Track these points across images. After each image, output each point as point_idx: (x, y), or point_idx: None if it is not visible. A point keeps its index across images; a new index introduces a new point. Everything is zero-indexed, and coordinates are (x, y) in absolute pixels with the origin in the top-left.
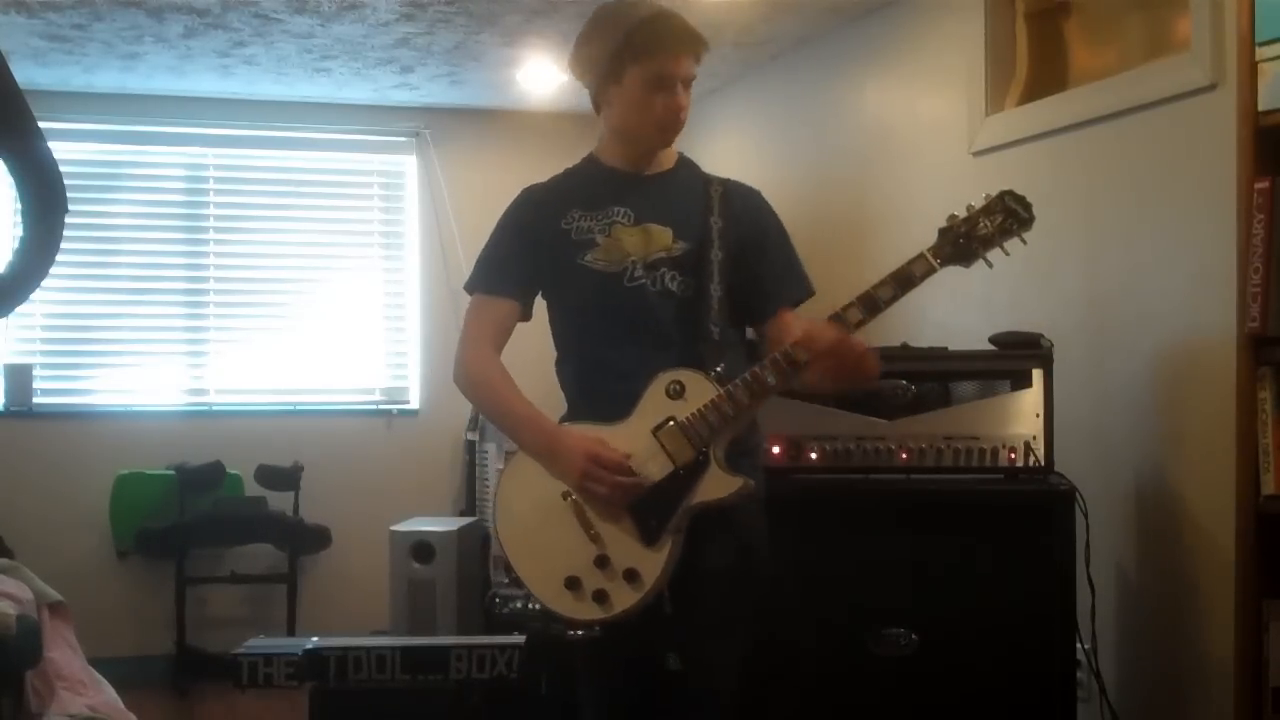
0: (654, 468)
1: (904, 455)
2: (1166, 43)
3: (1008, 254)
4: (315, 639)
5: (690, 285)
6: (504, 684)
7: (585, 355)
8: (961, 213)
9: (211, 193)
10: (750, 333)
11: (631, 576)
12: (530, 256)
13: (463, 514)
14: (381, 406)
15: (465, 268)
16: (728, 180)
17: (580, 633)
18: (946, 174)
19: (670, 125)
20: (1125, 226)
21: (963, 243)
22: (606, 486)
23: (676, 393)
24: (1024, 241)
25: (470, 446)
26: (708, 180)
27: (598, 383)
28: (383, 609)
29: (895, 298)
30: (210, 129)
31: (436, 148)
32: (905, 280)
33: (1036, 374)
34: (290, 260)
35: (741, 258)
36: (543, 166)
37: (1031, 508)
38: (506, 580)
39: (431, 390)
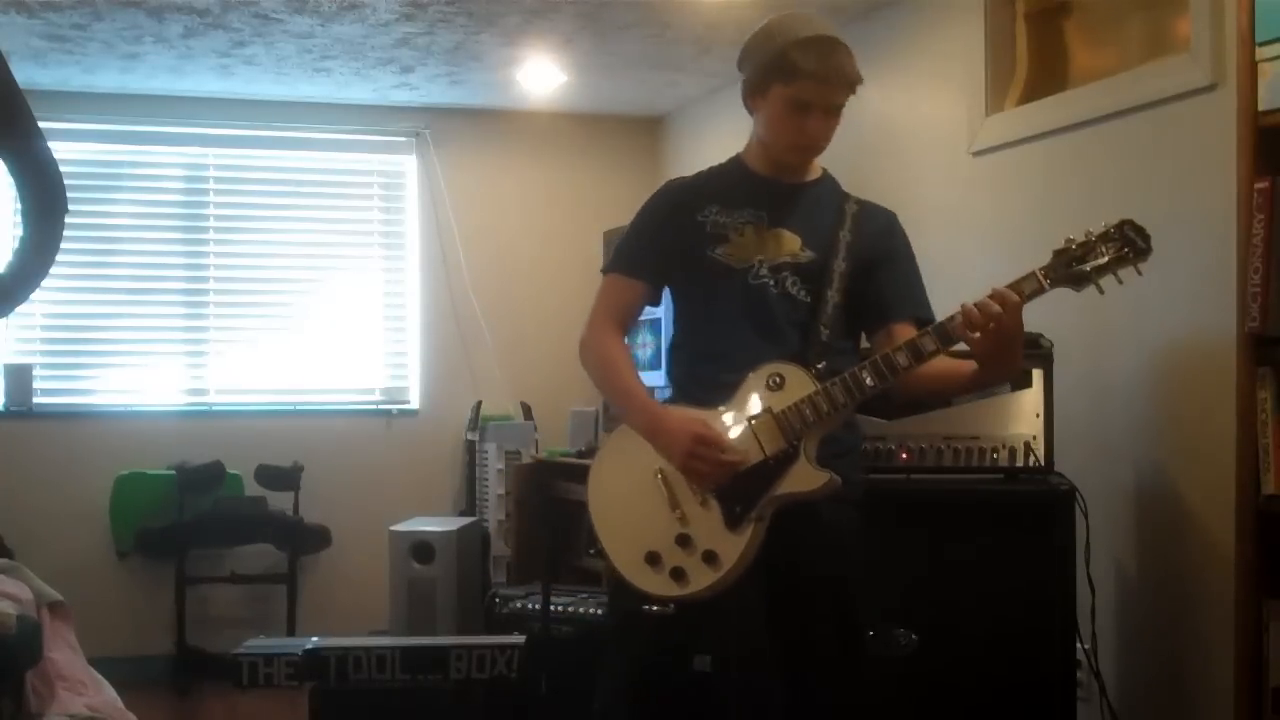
0: (744, 454)
1: (904, 455)
2: (1166, 43)
3: (1121, 283)
4: (315, 639)
5: (810, 293)
6: (504, 684)
7: (701, 344)
8: (1078, 236)
9: (211, 193)
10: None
11: (710, 558)
12: (665, 243)
13: (463, 514)
14: (381, 406)
15: (465, 268)
16: (865, 201)
17: (655, 608)
18: (946, 174)
19: (804, 149)
20: None
21: (1076, 266)
22: (709, 464)
23: (776, 385)
24: (1139, 272)
25: (470, 446)
26: (845, 197)
27: (710, 371)
28: (383, 609)
29: None
30: (210, 129)
31: (436, 148)
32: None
33: (1036, 374)
34: (290, 260)
35: (865, 271)
36: (542, 166)
37: (1031, 508)
38: (591, 551)
39: (431, 390)
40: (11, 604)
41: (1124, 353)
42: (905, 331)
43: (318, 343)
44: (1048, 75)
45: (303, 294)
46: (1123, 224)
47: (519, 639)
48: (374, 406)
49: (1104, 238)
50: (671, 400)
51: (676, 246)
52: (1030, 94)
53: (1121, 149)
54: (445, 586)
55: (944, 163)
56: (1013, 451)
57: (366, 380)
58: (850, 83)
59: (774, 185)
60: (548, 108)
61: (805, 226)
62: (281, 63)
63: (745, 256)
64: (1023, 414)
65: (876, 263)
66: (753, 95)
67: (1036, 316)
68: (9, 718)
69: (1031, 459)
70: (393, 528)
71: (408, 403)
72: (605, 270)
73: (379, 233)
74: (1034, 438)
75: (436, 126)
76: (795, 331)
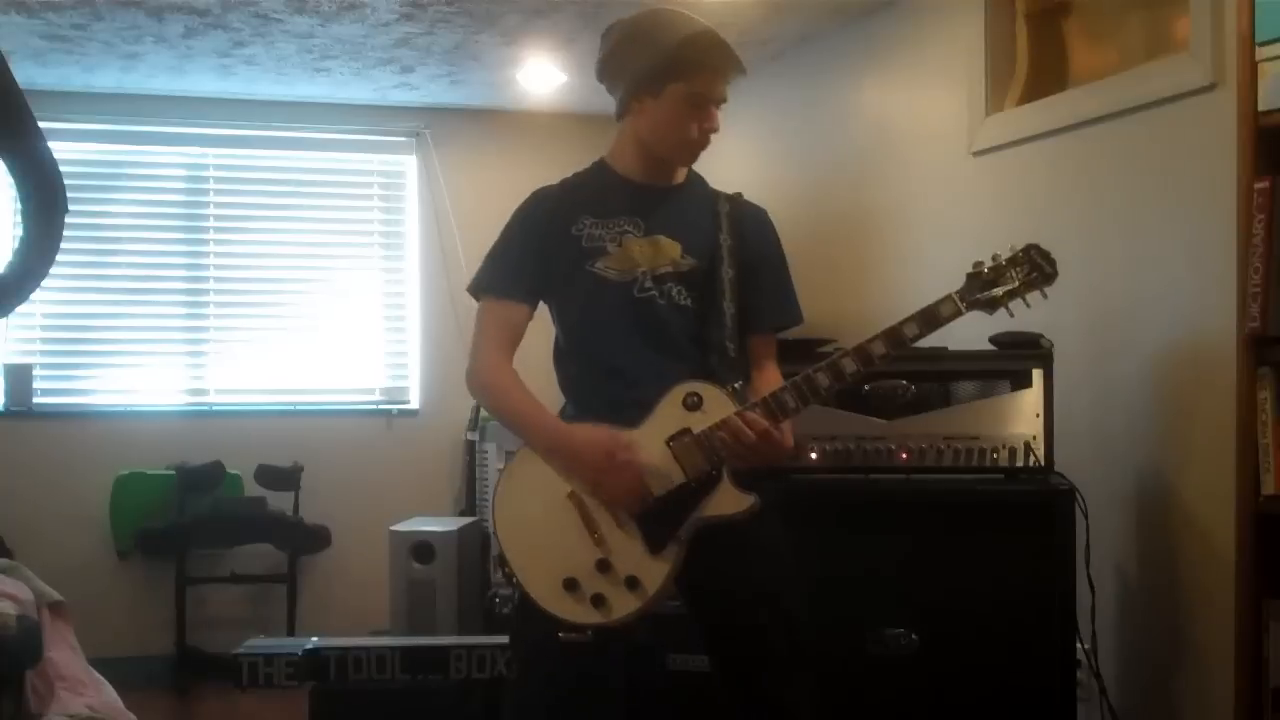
0: (665, 477)
1: (904, 455)
2: (1166, 43)
3: (1029, 306)
4: (315, 639)
5: (697, 301)
6: (504, 684)
7: (595, 361)
8: (988, 260)
9: (211, 193)
10: None
11: (633, 584)
12: (540, 259)
13: (463, 514)
14: (381, 406)
15: (465, 268)
16: (734, 197)
17: (572, 635)
18: (946, 174)
19: (699, 146)
20: (1125, 227)
21: (988, 291)
22: (621, 479)
23: (694, 405)
24: (1044, 295)
25: (470, 446)
26: (716, 196)
27: (608, 388)
28: (383, 609)
29: (920, 335)
30: (210, 129)
31: (436, 148)
32: (931, 319)
33: (1036, 374)
34: (290, 260)
35: (745, 276)
36: (542, 166)
37: (1031, 508)
38: (500, 575)
39: (431, 390)
40: (11, 604)
41: (1124, 352)
42: (764, 342)
43: (317, 343)
44: (1048, 75)
45: (302, 294)
46: (1029, 248)
47: None
48: (374, 406)
49: (1012, 262)
50: (575, 417)
51: (552, 263)
52: (1030, 94)
53: (1121, 149)
54: (445, 586)
55: (944, 163)
56: (1013, 451)
57: (366, 380)
58: (739, 71)
59: (646, 190)
60: (548, 108)
61: (683, 232)
62: (281, 63)
63: (626, 268)
64: (1023, 414)
65: (750, 266)
66: (640, 97)
67: (1037, 316)
68: (9, 718)
69: (1031, 459)
70: (393, 528)
71: (408, 403)
72: (479, 294)
73: (379, 233)
74: (1034, 438)
75: (436, 126)
76: (690, 343)
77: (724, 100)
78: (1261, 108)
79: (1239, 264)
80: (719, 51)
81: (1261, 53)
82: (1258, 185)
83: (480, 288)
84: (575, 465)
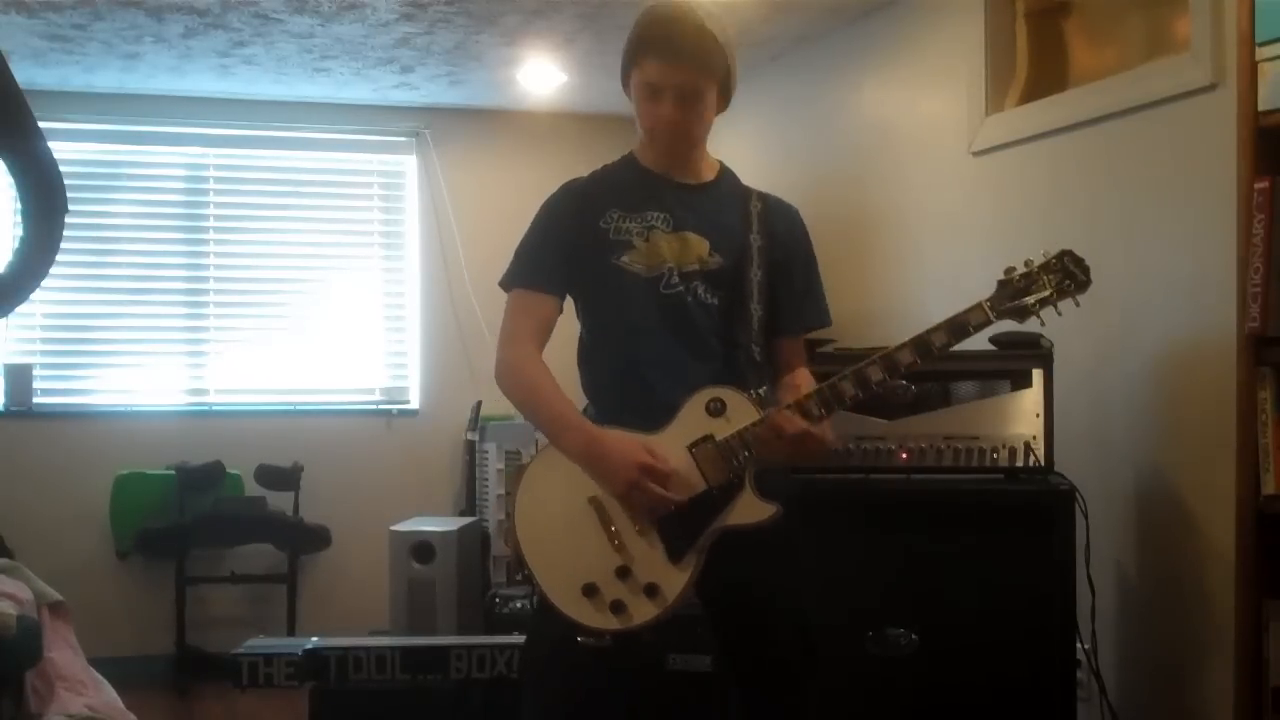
0: (686, 484)
1: (904, 455)
2: (1166, 43)
3: (1060, 314)
4: (315, 639)
5: (723, 300)
6: (504, 684)
7: (619, 357)
8: (1020, 266)
9: (211, 193)
10: None
11: (652, 591)
12: (566, 251)
13: (463, 514)
14: (381, 406)
15: (465, 268)
16: (767, 195)
17: (591, 640)
18: (946, 174)
19: (658, 135)
20: (1125, 227)
21: (1019, 300)
22: (652, 499)
23: (717, 410)
24: (1077, 304)
25: (470, 446)
26: (748, 194)
27: (632, 387)
28: (383, 609)
29: (949, 344)
30: (210, 129)
31: (436, 148)
32: (959, 329)
33: (1036, 374)
34: (290, 260)
35: (775, 276)
36: (542, 166)
37: (1031, 508)
38: (519, 577)
39: (431, 390)
40: (11, 604)
41: (1124, 352)
42: (792, 344)
43: (317, 343)
44: (1048, 75)
45: (302, 294)
46: (1063, 255)
47: (519, 639)
48: (374, 406)
49: (1045, 269)
50: (595, 419)
51: (578, 255)
52: (1030, 94)
53: (1122, 149)
54: (445, 586)
55: (944, 163)
56: (1013, 451)
57: (366, 380)
58: (700, 65)
59: (672, 184)
60: (548, 108)
61: (712, 230)
62: (281, 63)
63: (654, 264)
64: (1023, 414)
65: (784, 268)
66: (623, 88)
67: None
68: (9, 718)
69: (1031, 459)
70: (393, 528)
71: (408, 403)
72: (509, 286)
73: (379, 233)
74: (1034, 438)
75: (436, 126)
76: (716, 342)
77: (686, 89)
78: (1261, 108)
79: (1239, 264)
80: (669, 38)
81: (1261, 53)
82: (1258, 185)
83: (509, 280)
84: (610, 475)
